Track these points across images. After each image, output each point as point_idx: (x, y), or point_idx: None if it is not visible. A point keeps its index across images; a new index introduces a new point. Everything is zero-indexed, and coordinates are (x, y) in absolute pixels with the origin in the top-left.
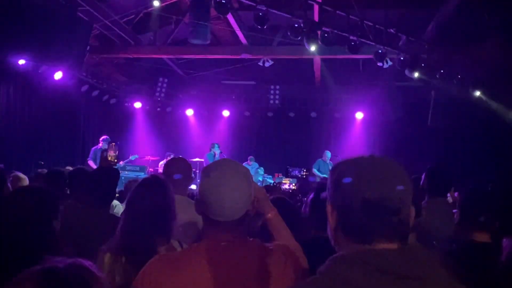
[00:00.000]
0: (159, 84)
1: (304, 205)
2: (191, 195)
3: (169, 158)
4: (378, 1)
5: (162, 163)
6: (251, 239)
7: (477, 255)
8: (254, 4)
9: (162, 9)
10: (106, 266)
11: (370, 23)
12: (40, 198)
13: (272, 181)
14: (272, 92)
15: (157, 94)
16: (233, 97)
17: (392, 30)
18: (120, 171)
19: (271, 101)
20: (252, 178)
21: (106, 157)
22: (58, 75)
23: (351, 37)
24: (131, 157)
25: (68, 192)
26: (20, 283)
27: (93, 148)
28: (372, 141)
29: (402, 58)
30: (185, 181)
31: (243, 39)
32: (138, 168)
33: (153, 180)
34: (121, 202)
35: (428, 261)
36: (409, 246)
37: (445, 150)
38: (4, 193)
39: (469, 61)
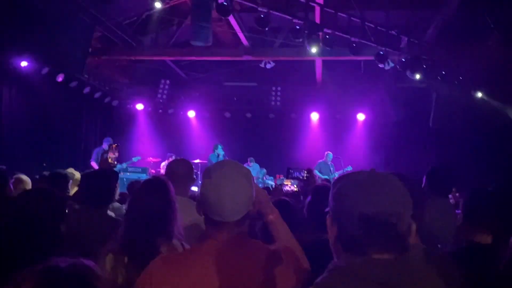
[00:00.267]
0: (161, 86)
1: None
2: (193, 196)
3: (170, 159)
4: (379, 2)
5: (163, 164)
6: (252, 240)
7: (479, 256)
8: (256, 6)
9: (164, 11)
10: (109, 266)
11: (371, 25)
12: (48, 201)
13: (273, 183)
14: (273, 93)
15: (159, 95)
16: (235, 99)
17: (393, 32)
18: (121, 173)
19: (273, 103)
20: (253, 179)
21: (106, 158)
22: (60, 77)
23: (352, 39)
24: (134, 159)
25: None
26: (20, 281)
27: (96, 149)
28: (374, 143)
29: (403, 59)
30: (186, 182)
31: (244, 41)
32: (140, 170)
33: (155, 181)
34: (123, 203)
35: (420, 271)
36: (404, 256)
37: (447, 151)
38: (6, 195)
39: (470, 61)
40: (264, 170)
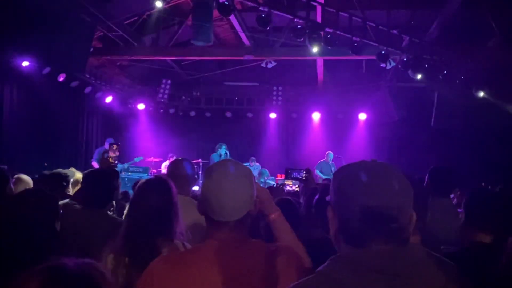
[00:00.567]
0: (162, 85)
1: (302, 206)
2: (195, 196)
3: (171, 159)
4: (381, 2)
5: (165, 164)
6: (253, 239)
7: (481, 256)
8: (257, 6)
9: (165, 10)
10: (109, 267)
11: (372, 24)
12: (41, 201)
13: (274, 183)
14: (274, 93)
15: (160, 95)
16: (236, 99)
17: (394, 31)
18: (122, 172)
19: (274, 102)
20: (254, 179)
21: (107, 158)
22: (61, 77)
23: (354, 38)
24: (136, 159)
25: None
26: (25, 279)
27: (97, 149)
28: (375, 142)
29: (405, 59)
30: (188, 181)
31: (245, 41)
32: (141, 170)
33: (157, 181)
34: (125, 202)
35: (419, 261)
36: (403, 247)
37: (449, 151)
38: (7, 195)
39: (472, 61)
40: (265, 170)
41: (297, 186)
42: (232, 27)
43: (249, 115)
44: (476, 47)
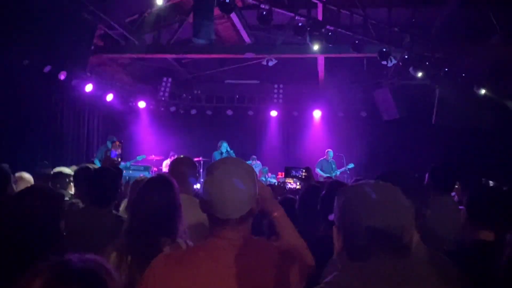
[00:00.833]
0: (163, 83)
1: (297, 203)
2: (196, 194)
3: (172, 157)
4: None
5: (166, 162)
6: (256, 237)
7: (483, 253)
8: (258, 3)
9: (166, 8)
10: (112, 265)
11: (374, 22)
12: (45, 198)
13: (275, 181)
14: (276, 91)
15: (161, 93)
16: (237, 97)
17: (396, 29)
18: (123, 171)
19: (275, 100)
20: (257, 176)
21: (109, 156)
22: (62, 75)
23: (355, 36)
24: (138, 158)
25: (71, 191)
26: (32, 276)
27: (100, 147)
28: (376, 140)
29: (406, 57)
30: (189, 180)
31: (246, 38)
32: (142, 168)
33: (159, 180)
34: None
35: (423, 269)
36: (407, 258)
37: (450, 148)
38: (8, 193)
39: (473, 58)
40: (267, 168)
41: (298, 184)
42: (233, 25)
43: (250, 113)
44: (477, 44)
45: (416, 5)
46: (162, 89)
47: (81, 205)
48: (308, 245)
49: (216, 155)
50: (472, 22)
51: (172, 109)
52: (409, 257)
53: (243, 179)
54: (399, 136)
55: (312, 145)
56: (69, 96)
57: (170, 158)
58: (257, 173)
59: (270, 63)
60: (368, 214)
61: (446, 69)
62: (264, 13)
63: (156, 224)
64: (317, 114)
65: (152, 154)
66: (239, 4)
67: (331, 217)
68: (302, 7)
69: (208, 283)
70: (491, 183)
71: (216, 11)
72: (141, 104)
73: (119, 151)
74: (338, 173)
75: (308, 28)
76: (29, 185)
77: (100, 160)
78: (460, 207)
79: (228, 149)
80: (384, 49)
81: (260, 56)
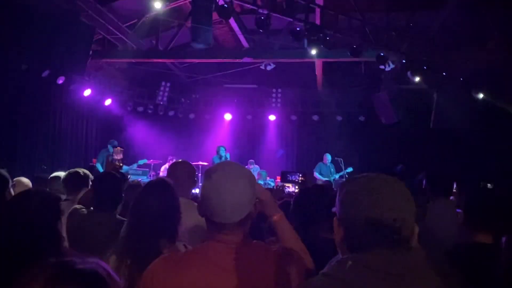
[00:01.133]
0: (162, 88)
1: (291, 205)
2: (195, 198)
3: (171, 162)
4: (380, 4)
5: (164, 167)
6: (255, 241)
7: (480, 256)
8: (256, 8)
9: (164, 13)
10: (112, 268)
11: (372, 26)
12: (41, 200)
13: (273, 184)
14: (274, 95)
15: (160, 98)
16: (235, 101)
17: (393, 33)
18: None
19: (273, 105)
20: (255, 180)
21: (112, 161)
22: (60, 80)
23: (353, 40)
24: (140, 162)
25: (65, 196)
26: (32, 276)
27: (101, 151)
28: (375, 144)
29: (404, 61)
30: (188, 184)
31: (245, 43)
32: (140, 172)
33: (159, 183)
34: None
35: (420, 262)
36: (405, 250)
37: (448, 152)
38: (6, 198)
39: (471, 62)
40: (265, 172)
41: (297, 187)
42: (231, 29)
43: (249, 117)
44: (475, 49)
45: (414, 10)
46: (161, 93)
47: (84, 211)
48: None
49: (215, 160)
50: (469, 26)
51: (171, 113)
52: (409, 251)
53: (241, 183)
54: (398, 140)
55: (310, 149)
56: (68, 101)
57: (169, 162)
58: (255, 177)
59: (268, 68)
60: (368, 207)
61: (444, 74)
62: (262, 18)
63: (156, 227)
64: (315, 118)
65: (150, 158)
66: (237, 9)
67: (334, 209)
68: (300, 12)
69: (205, 286)
70: (488, 186)
71: (215, 16)
72: (140, 109)
73: (120, 156)
74: (336, 177)
75: (306, 33)
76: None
77: (102, 164)
78: (457, 210)
79: (225, 154)
80: (382, 54)
81: (258, 60)
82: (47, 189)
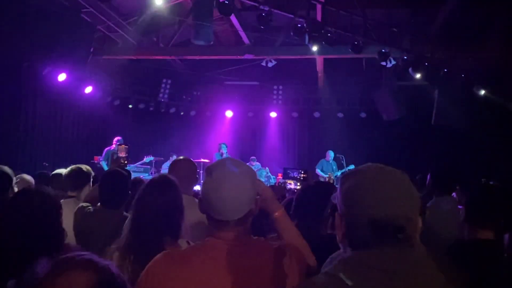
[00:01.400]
0: (163, 85)
1: (293, 203)
2: (196, 195)
3: (172, 159)
4: (381, 0)
5: (166, 164)
6: (256, 237)
7: (482, 252)
8: (257, 5)
9: (165, 10)
10: (115, 264)
11: (373, 23)
12: (41, 198)
13: (274, 181)
14: (275, 92)
15: (161, 95)
16: (236, 98)
17: (395, 29)
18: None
19: (274, 101)
20: (256, 177)
21: (117, 158)
22: (61, 77)
23: (354, 37)
24: (146, 159)
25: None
26: (74, 276)
27: (106, 148)
28: (376, 141)
29: (405, 57)
30: (190, 180)
31: (246, 40)
32: (142, 169)
33: (162, 180)
34: None
35: (422, 261)
36: (408, 248)
37: (449, 149)
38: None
39: (472, 59)
40: (267, 169)
41: (298, 184)
42: (232, 26)
43: (250, 114)
44: (477, 45)
45: (415, 6)
46: (162, 90)
47: (91, 208)
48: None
49: (217, 157)
50: (471, 23)
51: (172, 110)
52: (412, 250)
53: (242, 180)
54: (399, 137)
55: (311, 146)
56: (69, 98)
57: (170, 159)
58: (259, 173)
59: (270, 64)
60: (371, 202)
61: (446, 70)
62: (264, 14)
63: (159, 224)
64: (316, 115)
65: (152, 155)
66: (238, 5)
67: (334, 200)
68: (301, 8)
69: (206, 283)
70: (490, 183)
71: (215, 13)
72: (141, 106)
73: (124, 153)
74: (338, 174)
75: (307, 29)
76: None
77: (106, 162)
78: (459, 206)
79: (225, 151)
80: (384, 50)
81: (259, 57)
82: (49, 187)
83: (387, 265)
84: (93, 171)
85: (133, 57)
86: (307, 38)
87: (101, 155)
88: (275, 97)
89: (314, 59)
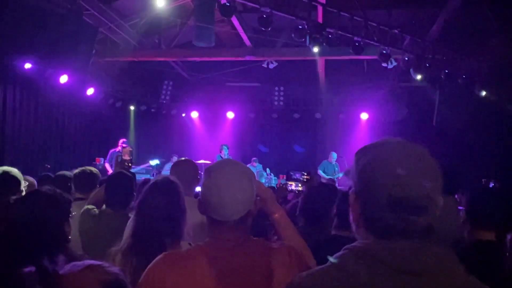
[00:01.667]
0: (164, 86)
1: (299, 204)
2: (197, 196)
3: (174, 160)
4: (382, 1)
5: (167, 165)
6: (255, 238)
7: (483, 253)
8: (258, 6)
9: (167, 12)
10: (117, 266)
11: (374, 24)
12: (50, 201)
13: (276, 182)
14: (276, 93)
15: (162, 96)
16: (238, 99)
17: (396, 31)
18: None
19: (276, 103)
20: (255, 178)
21: (122, 161)
22: (63, 79)
23: (355, 38)
24: (151, 162)
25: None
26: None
27: (111, 150)
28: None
29: (406, 58)
30: (191, 182)
31: (247, 41)
32: (144, 171)
33: (164, 182)
34: None
35: (434, 258)
36: (422, 243)
37: (451, 150)
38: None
39: (474, 60)
40: (268, 170)
41: (300, 186)
42: (234, 28)
43: (251, 115)
44: (478, 46)
45: (416, 7)
46: (164, 92)
47: (96, 211)
48: (309, 246)
49: (218, 158)
50: (472, 23)
51: (173, 112)
52: (429, 244)
53: (241, 181)
54: (401, 138)
55: (313, 147)
56: (71, 100)
57: (171, 161)
58: (257, 175)
59: (271, 66)
60: (391, 180)
61: (447, 71)
62: (265, 16)
63: (161, 226)
64: (317, 116)
65: (154, 157)
66: (240, 7)
67: (348, 174)
68: (302, 10)
69: (206, 284)
70: (491, 184)
71: (217, 15)
72: (143, 107)
73: (129, 156)
74: (340, 175)
75: (308, 31)
76: (32, 188)
77: (111, 164)
78: (459, 207)
79: (227, 152)
80: (385, 51)
81: (261, 58)
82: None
83: (402, 263)
84: None
85: (134, 59)
86: (308, 39)
87: (102, 156)
88: (276, 98)
89: (315, 60)
